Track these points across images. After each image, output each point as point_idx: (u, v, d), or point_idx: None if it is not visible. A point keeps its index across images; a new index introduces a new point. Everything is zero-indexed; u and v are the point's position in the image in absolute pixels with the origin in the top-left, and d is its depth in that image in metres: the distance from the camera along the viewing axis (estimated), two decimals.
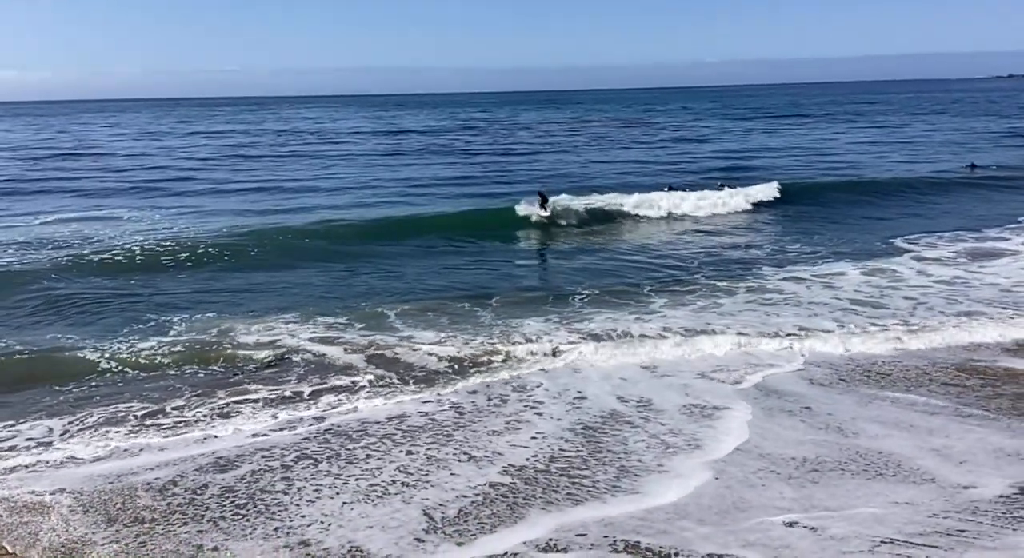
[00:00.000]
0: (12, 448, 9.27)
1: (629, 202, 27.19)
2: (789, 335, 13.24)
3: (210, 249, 19.96)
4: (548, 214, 24.54)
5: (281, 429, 9.69)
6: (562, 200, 25.93)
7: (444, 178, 35.80)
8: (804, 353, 12.44)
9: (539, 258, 21.17)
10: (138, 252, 19.67)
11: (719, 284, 17.02)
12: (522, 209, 24.83)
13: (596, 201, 26.89)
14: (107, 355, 12.23)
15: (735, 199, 28.52)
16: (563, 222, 24.72)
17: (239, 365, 11.95)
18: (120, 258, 19.14)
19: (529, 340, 13.03)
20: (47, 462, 8.86)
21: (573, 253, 21.15)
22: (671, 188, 31.96)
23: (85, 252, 19.60)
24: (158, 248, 20.07)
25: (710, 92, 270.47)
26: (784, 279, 17.46)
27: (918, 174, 34.43)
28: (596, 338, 13.07)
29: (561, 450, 8.99)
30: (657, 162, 42.33)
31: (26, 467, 8.75)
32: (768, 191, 29.48)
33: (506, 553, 6.98)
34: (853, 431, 9.44)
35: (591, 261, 19.99)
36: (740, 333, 13.29)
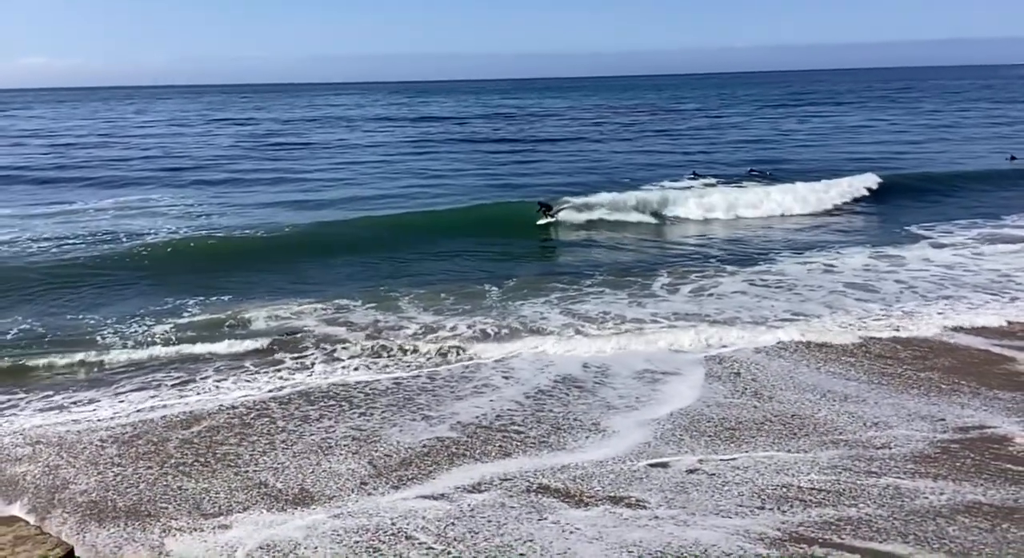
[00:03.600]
0: (46, 410, 10.58)
1: (684, 202, 25.98)
2: (780, 320, 13.92)
3: (235, 239, 21.04)
4: (551, 221, 23.97)
5: (263, 394, 10.92)
6: (600, 198, 25.36)
7: (469, 170, 36.47)
8: (774, 333, 13.12)
9: (559, 251, 21.74)
10: (167, 241, 20.73)
11: (727, 268, 17.90)
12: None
13: (637, 198, 25.95)
14: (128, 335, 13.52)
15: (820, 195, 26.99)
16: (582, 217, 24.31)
17: (247, 342, 13.01)
18: (149, 246, 20.20)
19: (522, 321, 13.98)
20: (65, 422, 10.13)
21: (590, 246, 21.70)
22: (695, 174, 32.64)
23: (120, 240, 20.90)
24: (185, 237, 21.15)
25: (740, 78, 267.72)
26: (793, 264, 18.24)
27: (958, 167, 34.00)
28: (588, 320, 13.93)
29: (508, 410, 10.10)
30: (686, 151, 42.68)
31: (40, 425, 10.06)
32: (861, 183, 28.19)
33: (434, 494, 8.09)
34: (773, 396, 10.41)
35: (605, 251, 20.68)
36: (731, 318, 14.07)
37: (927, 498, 7.95)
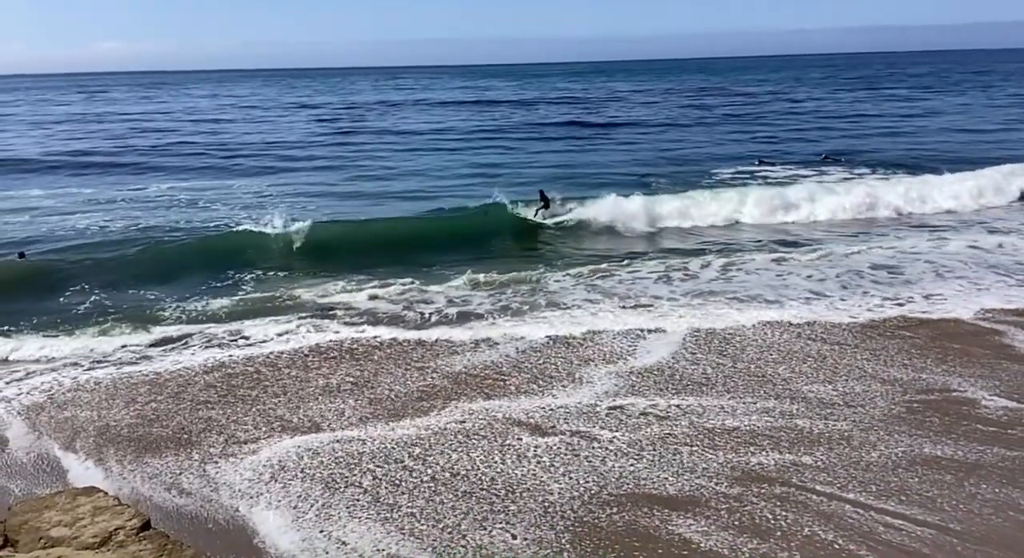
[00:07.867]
0: (105, 365, 12.44)
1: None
2: (791, 299, 14.81)
3: (300, 229, 21.40)
4: (543, 218, 22.87)
5: (285, 349, 12.79)
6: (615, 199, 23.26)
7: (536, 160, 36.83)
8: (770, 310, 14.06)
9: (613, 240, 21.56)
10: (236, 229, 21.75)
11: (765, 251, 18.88)
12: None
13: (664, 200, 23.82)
14: (185, 310, 15.27)
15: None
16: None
17: (288, 315, 14.64)
18: (220, 232, 21.67)
19: (547, 297, 15.34)
20: (114, 375, 12.03)
21: (645, 236, 21.65)
22: (761, 161, 33.13)
23: (193, 224, 22.66)
24: (253, 226, 22.06)
25: (813, 60, 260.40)
26: (836, 247, 18.98)
27: None
28: (606, 296, 15.19)
29: (497, 363, 11.73)
30: (756, 136, 43.11)
31: (96, 379, 11.94)
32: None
33: (420, 426, 9.78)
34: (739, 356, 11.71)
35: (648, 240, 21.11)
36: (754, 295, 15.10)
37: (881, 450, 8.84)
